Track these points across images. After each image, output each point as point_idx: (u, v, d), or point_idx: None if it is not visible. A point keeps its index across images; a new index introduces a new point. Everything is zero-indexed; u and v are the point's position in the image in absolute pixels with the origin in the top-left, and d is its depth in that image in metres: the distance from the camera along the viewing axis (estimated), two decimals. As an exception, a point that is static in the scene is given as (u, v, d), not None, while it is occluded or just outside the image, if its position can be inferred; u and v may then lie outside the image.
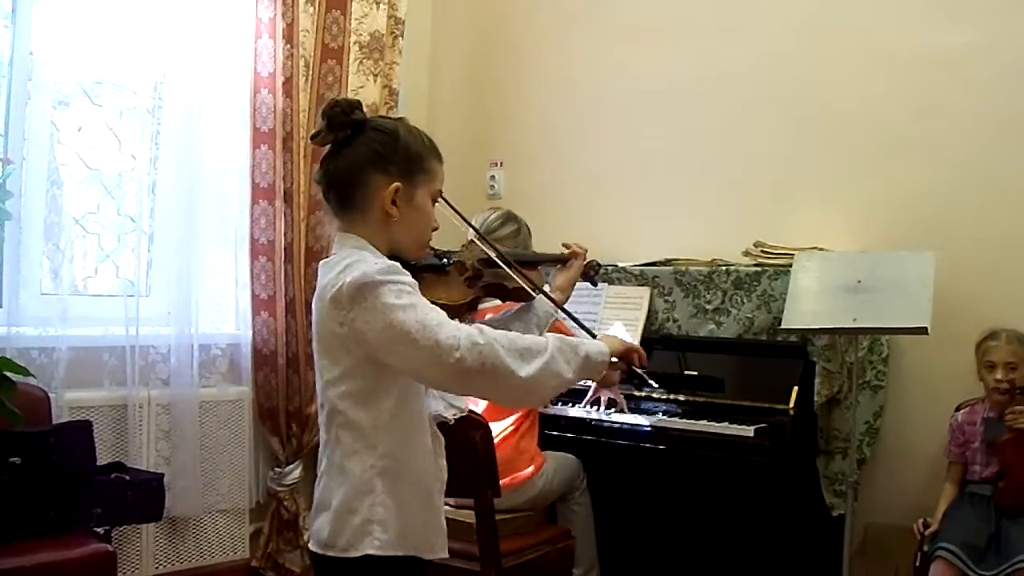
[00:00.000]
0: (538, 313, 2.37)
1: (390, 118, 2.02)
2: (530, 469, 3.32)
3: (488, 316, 2.37)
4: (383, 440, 1.84)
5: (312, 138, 1.97)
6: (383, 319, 1.74)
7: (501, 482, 2.82)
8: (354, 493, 1.84)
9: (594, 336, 2.00)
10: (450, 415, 2.04)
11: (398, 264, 1.83)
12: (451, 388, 1.88)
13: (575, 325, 2.15)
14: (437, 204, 2.00)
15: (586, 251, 2.52)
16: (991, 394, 3.16)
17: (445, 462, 1.99)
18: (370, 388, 1.83)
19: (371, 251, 1.88)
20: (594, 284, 2.60)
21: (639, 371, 2.00)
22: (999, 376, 3.12)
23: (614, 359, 1.95)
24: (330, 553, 1.86)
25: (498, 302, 2.60)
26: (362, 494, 1.83)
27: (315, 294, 1.90)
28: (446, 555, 1.95)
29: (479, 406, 2.90)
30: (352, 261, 1.82)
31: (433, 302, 2.04)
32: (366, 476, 1.83)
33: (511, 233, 3.40)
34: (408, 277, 1.81)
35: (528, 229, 3.48)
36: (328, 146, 1.94)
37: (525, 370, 1.75)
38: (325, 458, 1.91)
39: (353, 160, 1.90)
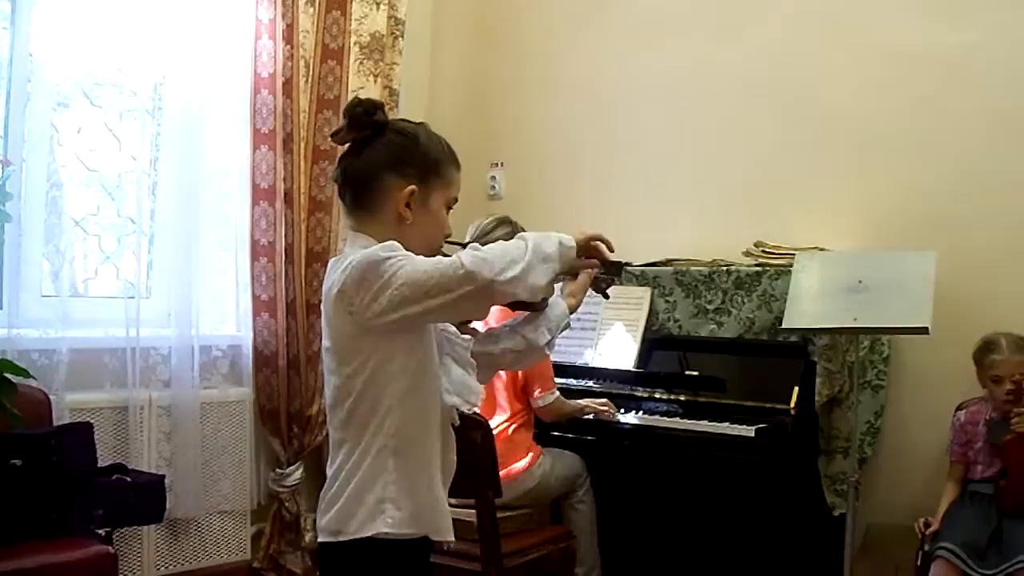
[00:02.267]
0: (549, 317, 2.36)
1: (411, 122, 2.02)
2: (525, 461, 3.33)
3: (499, 323, 2.36)
4: (395, 419, 1.85)
5: (332, 136, 1.98)
6: (392, 283, 1.76)
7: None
8: (368, 475, 1.85)
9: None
10: (467, 407, 2.04)
11: (397, 243, 1.84)
12: (475, 305, 1.85)
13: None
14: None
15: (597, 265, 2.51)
16: (998, 404, 3.14)
17: (455, 457, 2.00)
18: (386, 371, 1.84)
19: None
20: (608, 287, 2.58)
21: (609, 261, 2.03)
22: (1009, 387, 3.09)
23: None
24: (342, 538, 1.86)
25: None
26: (376, 474, 1.84)
27: (323, 294, 1.91)
28: (452, 539, 1.95)
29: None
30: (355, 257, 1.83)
31: None
32: (380, 456, 1.84)
33: (505, 235, 3.39)
34: (403, 250, 1.82)
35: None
36: (347, 145, 1.95)
37: (523, 261, 1.80)
38: (341, 455, 1.90)
39: (371, 161, 1.91)
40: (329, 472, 1.94)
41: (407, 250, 1.94)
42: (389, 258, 1.78)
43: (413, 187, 1.90)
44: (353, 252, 1.88)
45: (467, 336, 1.98)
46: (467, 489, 2.70)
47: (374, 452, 1.85)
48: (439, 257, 1.80)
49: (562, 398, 3.46)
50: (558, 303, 2.34)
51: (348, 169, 1.94)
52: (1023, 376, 3.07)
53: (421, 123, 2.01)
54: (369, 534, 1.83)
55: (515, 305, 2.24)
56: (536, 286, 1.85)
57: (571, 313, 2.37)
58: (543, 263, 1.84)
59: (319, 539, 1.94)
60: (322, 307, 1.91)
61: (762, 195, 3.95)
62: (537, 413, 3.46)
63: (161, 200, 3.80)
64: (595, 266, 2.04)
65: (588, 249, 1.99)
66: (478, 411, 2.78)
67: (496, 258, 1.78)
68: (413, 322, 1.82)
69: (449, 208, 1.99)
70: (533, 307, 2.21)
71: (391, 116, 1.99)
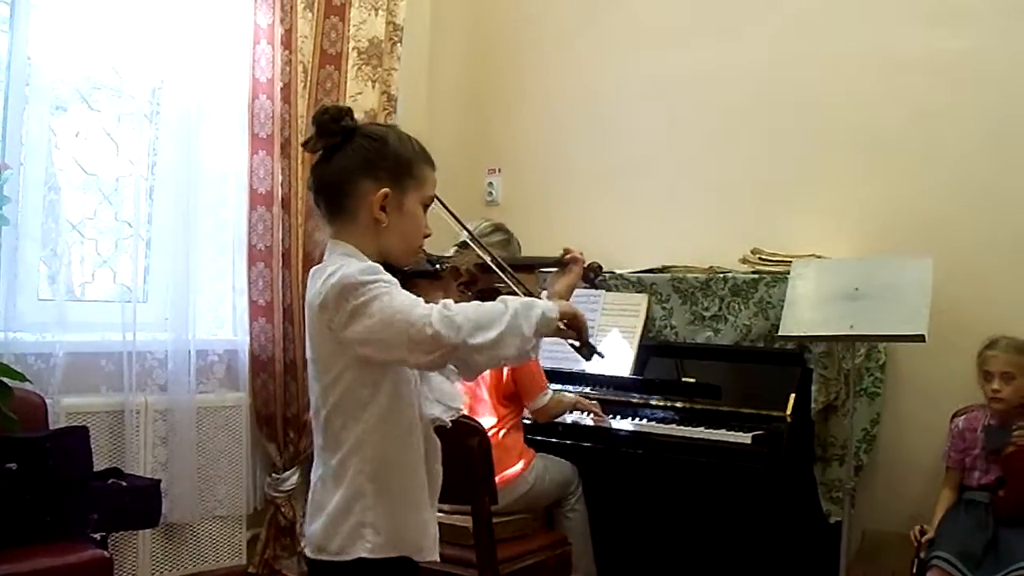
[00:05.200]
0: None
1: (381, 124, 2.03)
2: (519, 466, 3.33)
3: None
4: (373, 444, 1.86)
5: (303, 145, 1.98)
6: (363, 314, 1.77)
7: (491, 481, 2.83)
8: (347, 497, 1.85)
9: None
10: (447, 418, 2.04)
11: (379, 265, 1.84)
12: (432, 365, 1.87)
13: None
14: (431, 209, 2.01)
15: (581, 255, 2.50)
16: (989, 403, 3.16)
17: (441, 467, 2.00)
18: (360, 393, 1.85)
19: (359, 257, 1.89)
20: (595, 287, 2.58)
21: (587, 340, 2.01)
22: (995, 386, 3.11)
23: (563, 324, 1.95)
24: (323, 557, 1.88)
25: None
26: (354, 498, 1.85)
27: (306, 301, 1.91)
28: (436, 558, 1.96)
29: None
30: (337, 268, 1.83)
31: None
32: (357, 480, 1.85)
33: (500, 242, 3.40)
34: (387, 275, 1.82)
35: (518, 243, 3.48)
36: (319, 153, 1.94)
37: (495, 330, 1.78)
38: (321, 463, 1.92)
39: (343, 167, 1.91)
40: (313, 476, 1.95)
41: (387, 253, 1.94)
42: (368, 283, 1.78)
43: (386, 190, 1.90)
44: (333, 260, 1.89)
45: None
46: (462, 495, 2.71)
47: (351, 475, 1.85)
48: (415, 301, 1.78)
49: (556, 395, 3.47)
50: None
51: (320, 177, 1.93)
52: (1011, 375, 3.09)
53: (391, 125, 2.02)
54: (349, 558, 1.84)
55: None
56: (503, 358, 1.83)
57: None
58: (516, 336, 1.81)
59: (305, 547, 1.95)
60: (306, 316, 1.92)
61: (759, 202, 3.96)
62: (534, 415, 3.45)
63: (158, 204, 3.80)
64: (571, 337, 1.99)
65: (571, 319, 1.96)
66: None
67: (467, 322, 1.76)
68: (378, 362, 1.83)
69: (426, 207, 1.98)
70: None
71: (389, 122, 2.00)
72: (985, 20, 3.49)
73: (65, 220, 3.51)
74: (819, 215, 3.80)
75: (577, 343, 2.00)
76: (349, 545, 1.84)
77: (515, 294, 2.21)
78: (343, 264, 1.84)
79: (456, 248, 3.13)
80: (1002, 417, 3.11)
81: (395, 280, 1.84)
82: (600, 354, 2.06)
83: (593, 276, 2.48)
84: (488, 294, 2.22)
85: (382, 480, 1.86)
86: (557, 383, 3.60)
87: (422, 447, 1.94)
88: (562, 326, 1.94)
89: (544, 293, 2.38)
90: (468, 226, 3.26)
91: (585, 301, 3.82)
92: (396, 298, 1.78)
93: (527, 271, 2.42)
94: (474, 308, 1.80)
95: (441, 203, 2.05)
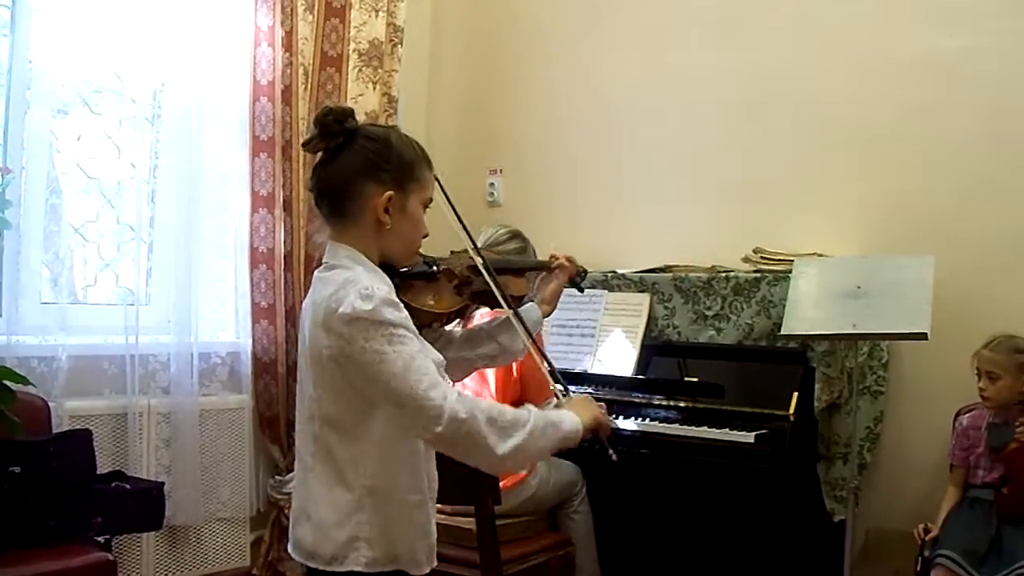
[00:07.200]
0: (527, 321, 2.36)
1: (381, 126, 2.02)
2: (522, 471, 3.32)
3: (478, 322, 2.37)
4: (372, 459, 1.84)
5: (304, 145, 1.97)
6: (373, 366, 1.75)
7: (494, 485, 2.82)
8: (343, 510, 1.84)
9: (550, 362, 2.08)
10: None
11: (393, 296, 1.82)
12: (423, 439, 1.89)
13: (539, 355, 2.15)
14: (431, 210, 2.01)
15: (572, 259, 2.49)
16: (983, 401, 3.16)
17: (436, 470, 1.99)
18: (358, 408, 1.83)
19: (365, 264, 1.88)
20: (580, 290, 2.58)
21: (605, 443, 2.04)
22: (980, 385, 3.12)
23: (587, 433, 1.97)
24: (312, 564, 1.87)
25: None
26: (350, 511, 1.84)
27: (306, 305, 1.90)
28: (433, 566, 1.95)
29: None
30: (347, 279, 1.82)
31: (422, 309, 2.04)
32: (355, 495, 1.84)
33: (516, 250, 3.39)
34: (402, 315, 1.80)
35: (534, 251, 3.46)
36: (319, 154, 1.94)
37: (502, 448, 1.77)
38: (303, 468, 1.91)
39: (346, 168, 1.90)
40: (295, 482, 1.94)
41: (389, 254, 1.94)
42: (389, 325, 1.76)
43: (391, 193, 1.90)
44: (341, 264, 1.88)
45: (440, 357, 1.96)
46: (465, 496, 2.70)
47: (348, 488, 1.84)
48: (434, 380, 1.76)
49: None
50: (533, 309, 2.34)
51: (323, 178, 1.93)
52: (995, 375, 3.08)
53: (392, 126, 2.02)
54: (343, 569, 1.83)
55: (493, 304, 2.24)
56: (503, 470, 1.84)
57: (544, 318, 2.37)
58: (525, 455, 1.82)
59: (292, 550, 1.93)
60: (303, 317, 1.91)
61: (761, 201, 3.95)
62: None
63: (160, 207, 3.80)
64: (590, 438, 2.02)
65: (597, 429, 1.99)
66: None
67: (476, 435, 1.74)
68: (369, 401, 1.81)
69: (425, 208, 1.98)
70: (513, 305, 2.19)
71: (391, 123, 1.99)
72: (984, 19, 3.49)
73: (67, 223, 3.51)
74: (820, 214, 3.80)
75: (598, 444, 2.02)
76: (342, 556, 1.83)
77: (512, 298, 2.21)
78: (352, 277, 1.82)
79: (507, 234, 3.19)
80: (1005, 414, 3.11)
81: (409, 321, 1.82)
82: (612, 456, 2.08)
83: (579, 280, 2.49)
84: (483, 296, 2.22)
85: (380, 495, 1.85)
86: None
87: (421, 454, 1.93)
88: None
89: (531, 304, 2.38)
90: (487, 230, 3.31)
91: (588, 302, 3.82)
92: (413, 364, 1.75)
93: (517, 274, 2.42)
94: (492, 414, 1.77)
95: (449, 202, 2.05)
